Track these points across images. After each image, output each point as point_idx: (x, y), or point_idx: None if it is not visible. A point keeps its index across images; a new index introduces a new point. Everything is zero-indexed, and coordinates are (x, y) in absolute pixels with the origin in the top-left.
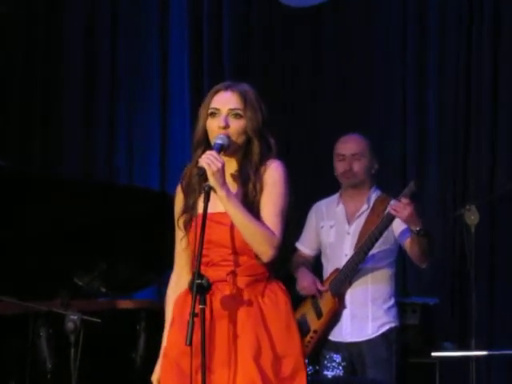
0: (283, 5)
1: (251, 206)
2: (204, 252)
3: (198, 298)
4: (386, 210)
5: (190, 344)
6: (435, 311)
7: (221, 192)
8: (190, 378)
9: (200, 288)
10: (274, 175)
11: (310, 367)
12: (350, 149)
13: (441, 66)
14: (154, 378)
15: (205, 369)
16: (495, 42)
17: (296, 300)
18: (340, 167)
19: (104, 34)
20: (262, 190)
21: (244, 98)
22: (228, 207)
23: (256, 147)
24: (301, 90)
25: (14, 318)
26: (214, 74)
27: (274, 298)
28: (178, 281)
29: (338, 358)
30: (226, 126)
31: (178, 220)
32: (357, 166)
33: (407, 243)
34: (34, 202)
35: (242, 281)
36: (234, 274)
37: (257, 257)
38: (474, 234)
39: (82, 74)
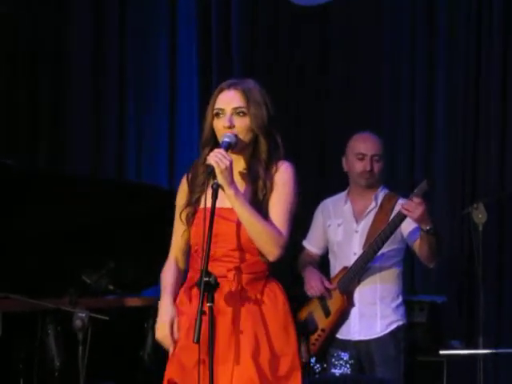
0: (291, 3)
1: (260, 205)
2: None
3: (205, 295)
4: (398, 210)
5: (198, 342)
6: (443, 309)
7: (229, 190)
8: (195, 373)
9: (207, 286)
10: (284, 176)
11: (318, 365)
12: (371, 149)
13: (449, 66)
14: (161, 335)
15: (212, 366)
16: (505, 41)
17: (303, 298)
18: (359, 166)
19: (112, 34)
20: (271, 189)
21: (247, 96)
22: (235, 205)
23: (263, 144)
24: (307, 89)
25: (22, 316)
26: (222, 74)
27: (273, 298)
28: (174, 267)
29: (345, 356)
30: (231, 126)
31: (181, 213)
32: (377, 167)
33: (416, 243)
34: (43, 200)
35: (243, 278)
36: (236, 270)
37: (260, 254)
38: (482, 233)
39: (90, 73)
